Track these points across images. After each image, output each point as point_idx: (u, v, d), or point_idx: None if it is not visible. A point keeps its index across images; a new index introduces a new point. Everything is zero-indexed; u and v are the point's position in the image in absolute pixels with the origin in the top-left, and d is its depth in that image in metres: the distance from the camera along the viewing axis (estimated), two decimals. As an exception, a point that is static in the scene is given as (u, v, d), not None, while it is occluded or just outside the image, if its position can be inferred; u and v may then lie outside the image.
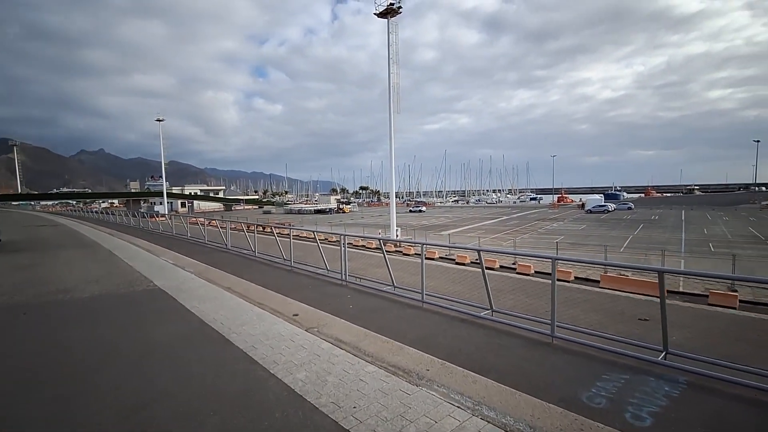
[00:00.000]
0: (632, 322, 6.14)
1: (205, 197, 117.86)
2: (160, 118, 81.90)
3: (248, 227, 13.48)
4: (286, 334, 5.30)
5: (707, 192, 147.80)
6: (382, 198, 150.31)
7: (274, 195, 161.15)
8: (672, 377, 4.16)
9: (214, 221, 16.76)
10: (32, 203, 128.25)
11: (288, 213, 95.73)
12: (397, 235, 38.92)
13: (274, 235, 11.26)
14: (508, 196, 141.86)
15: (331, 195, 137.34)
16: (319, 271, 9.45)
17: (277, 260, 11.19)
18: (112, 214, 34.53)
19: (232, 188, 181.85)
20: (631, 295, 10.13)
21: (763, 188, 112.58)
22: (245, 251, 12.84)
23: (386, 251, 8.10)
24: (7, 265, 9.97)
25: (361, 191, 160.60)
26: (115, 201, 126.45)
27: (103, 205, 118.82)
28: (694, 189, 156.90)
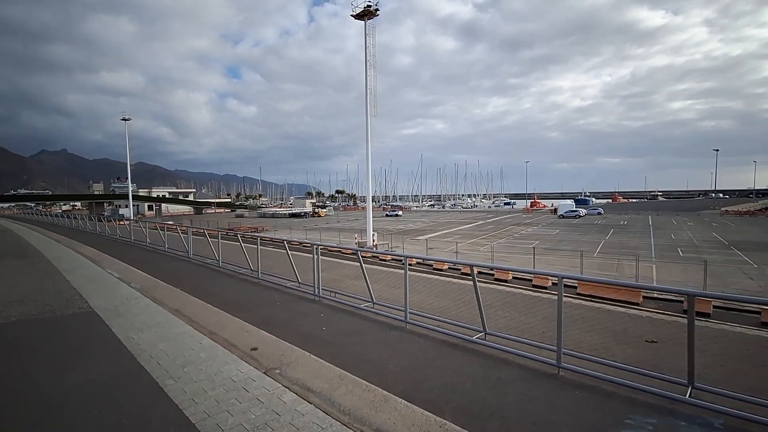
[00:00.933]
0: (639, 344, 5.51)
1: (174, 200, 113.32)
2: (126, 117, 78.24)
3: (211, 233, 12.32)
4: (239, 378, 4.23)
5: (670, 198, 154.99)
6: (358, 202, 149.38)
7: (247, 198, 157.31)
8: (705, 421, 3.51)
9: (175, 226, 15.39)
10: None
11: (262, 217, 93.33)
12: (373, 240, 38.19)
13: (239, 242, 10.19)
14: (483, 200, 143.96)
15: (307, 198, 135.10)
16: (290, 283, 8.46)
17: (243, 271, 10.12)
18: (74, 217, 32.11)
19: (203, 191, 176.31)
20: (631, 310, 9.59)
21: (721, 195, 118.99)
22: (208, 260, 11.66)
23: (363, 258, 7.27)
24: None
25: (337, 195, 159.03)
26: (78, 203, 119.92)
27: (64, 207, 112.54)
28: (657, 195, 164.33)
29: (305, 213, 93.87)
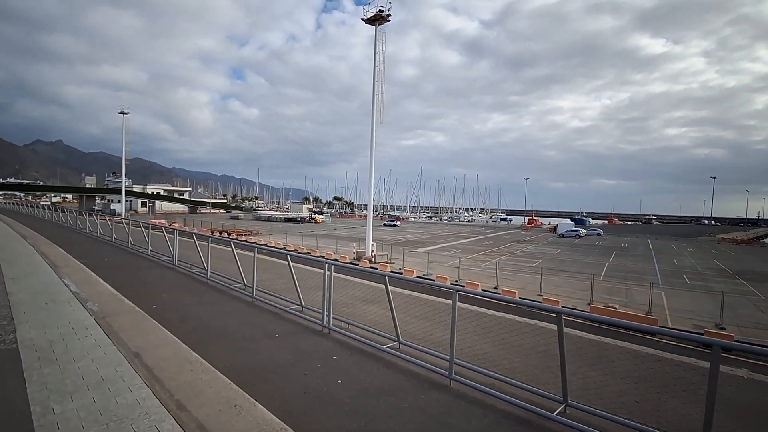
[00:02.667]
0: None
1: (168, 198, 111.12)
2: (124, 111, 76.81)
3: (201, 237, 10.76)
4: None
5: (663, 222, 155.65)
6: (356, 210, 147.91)
7: (243, 200, 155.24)
8: None
9: (161, 227, 13.78)
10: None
11: (257, 220, 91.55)
12: (372, 250, 36.75)
13: (232, 250, 8.68)
14: (480, 215, 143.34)
15: (304, 204, 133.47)
16: (291, 306, 6.94)
17: (235, 286, 8.59)
18: (61, 210, 30.30)
19: (199, 190, 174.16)
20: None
21: (713, 222, 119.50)
22: (196, 269, 10.09)
23: (359, 266, 5.83)
24: None
25: (334, 201, 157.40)
26: (69, 196, 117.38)
27: (55, 199, 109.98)
28: (652, 219, 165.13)
29: (302, 218, 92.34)
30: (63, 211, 27.91)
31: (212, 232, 49.08)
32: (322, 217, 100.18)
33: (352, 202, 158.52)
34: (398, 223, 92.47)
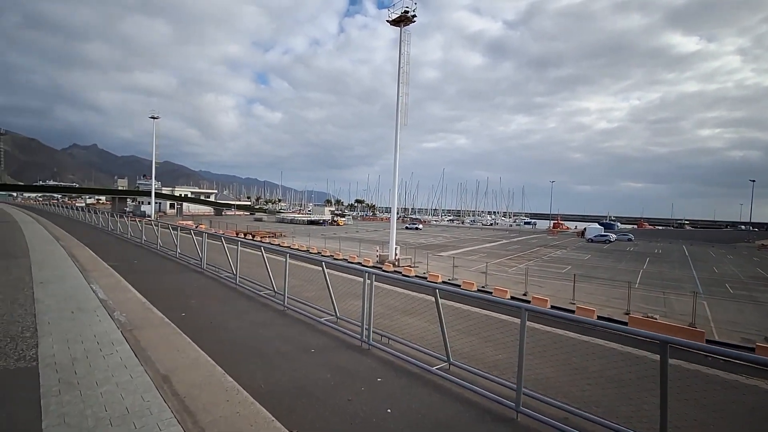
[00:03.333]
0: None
1: (195, 200, 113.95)
2: (155, 116, 79.10)
3: (229, 240, 10.49)
4: None
5: (697, 227, 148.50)
6: (377, 212, 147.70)
7: (267, 202, 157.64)
8: None
9: (190, 230, 13.66)
10: (14, 194, 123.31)
11: (280, 222, 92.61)
12: (396, 254, 36.24)
13: (262, 255, 8.32)
14: (504, 218, 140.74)
15: (326, 206, 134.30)
16: (325, 317, 6.49)
17: (265, 291, 8.23)
18: (94, 212, 31.17)
19: (224, 192, 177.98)
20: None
21: (750, 227, 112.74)
22: (225, 273, 9.80)
23: (385, 270, 5.30)
24: None
25: (356, 204, 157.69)
26: (102, 198, 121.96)
27: (89, 201, 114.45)
28: (684, 223, 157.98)
29: (324, 221, 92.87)
30: (96, 213, 28.61)
31: (237, 234, 49.67)
32: (344, 219, 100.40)
33: (374, 205, 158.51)
34: (420, 226, 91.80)
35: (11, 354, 3.78)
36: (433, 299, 8.32)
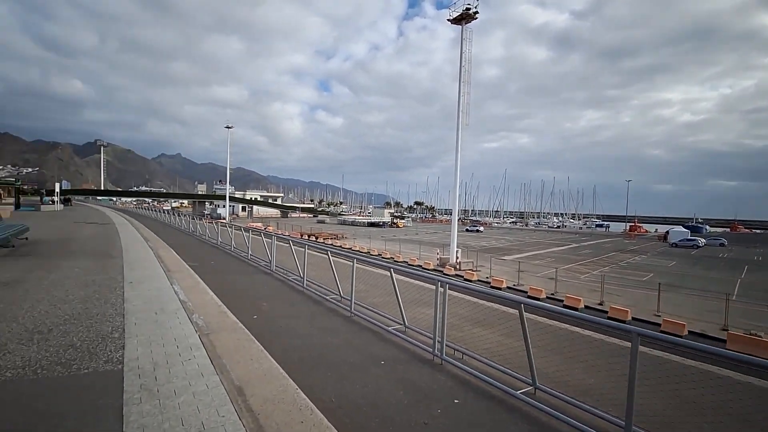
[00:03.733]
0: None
1: (264, 203, 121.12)
2: (229, 126, 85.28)
3: (297, 242, 10.67)
4: None
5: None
6: (437, 214, 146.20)
7: (329, 205, 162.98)
8: None
9: (260, 232, 14.24)
10: (113, 199, 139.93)
11: (342, 224, 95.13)
12: (457, 257, 35.31)
13: (329, 259, 8.32)
14: (572, 220, 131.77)
15: (385, 208, 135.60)
16: (393, 326, 6.25)
17: (331, 296, 8.21)
18: (177, 214, 34.28)
19: (290, 196, 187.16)
20: None
21: None
22: (292, 276, 10.01)
23: (445, 273, 4.80)
24: None
25: (415, 206, 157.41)
26: (185, 201, 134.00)
27: (174, 204, 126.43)
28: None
29: (383, 222, 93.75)
30: (178, 215, 31.34)
31: (301, 236, 51.67)
32: (403, 221, 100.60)
33: (433, 207, 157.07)
34: (481, 228, 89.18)
35: (101, 355, 3.97)
36: (507, 310, 7.79)
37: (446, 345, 4.99)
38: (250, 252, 12.96)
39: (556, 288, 24.31)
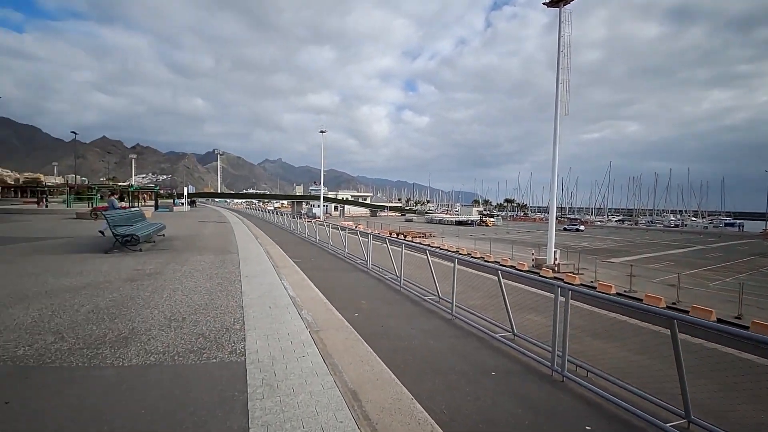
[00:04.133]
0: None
1: (354, 203, 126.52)
2: (323, 130, 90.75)
3: (393, 241, 10.69)
4: None
5: None
6: (529, 212, 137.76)
7: (416, 204, 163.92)
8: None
9: (356, 231, 14.66)
10: (227, 200, 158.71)
11: (429, 222, 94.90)
12: (555, 259, 32.63)
13: (427, 260, 8.13)
14: (694, 218, 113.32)
15: (473, 206, 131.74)
16: (500, 334, 5.79)
17: (429, 296, 8.01)
18: (279, 214, 37.46)
19: (378, 195, 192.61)
20: None
21: None
22: (389, 275, 10.05)
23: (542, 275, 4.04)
24: (131, 270, 8.62)
25: (505, 204, 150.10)
26: (285, 202, 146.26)
27: (276, 205, 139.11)
28: None
29: (471, 221, 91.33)
30: (280, 215, 34.11)
31: (390, 234, 52.61)
32: (492, 220, 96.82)
33: (525, 204, 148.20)
34: (582, 227, 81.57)
35: (226, 345, 4.25)
36: (637, 322, 6.75)
37: (568, 360, 4.41)
38: (346, 250, 13.40)
39: (679, 296, 20.93)
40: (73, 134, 64.61)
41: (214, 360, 3.83)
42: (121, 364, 3.76)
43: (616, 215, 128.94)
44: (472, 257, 34.29)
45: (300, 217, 30.76)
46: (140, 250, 11.51)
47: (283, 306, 5.83)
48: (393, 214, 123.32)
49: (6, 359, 3.84)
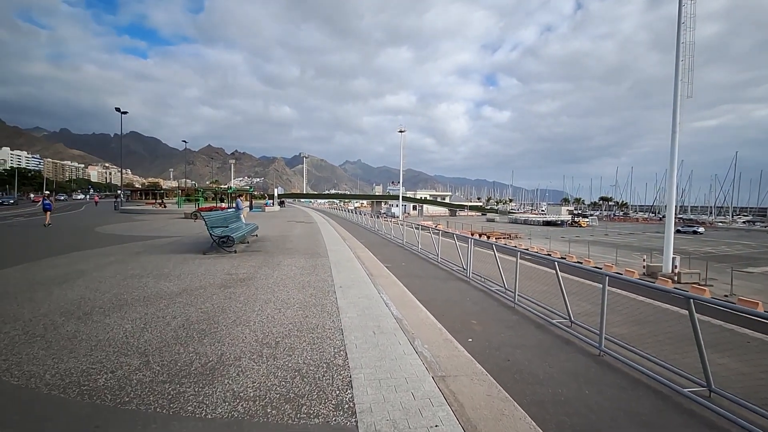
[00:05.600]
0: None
1: (433, 202, 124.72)
2: (402, 130, 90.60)
3: (473, 236, 9.23)
4: None
5: None
6: (629, 212, 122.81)
7: (497, 203, 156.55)
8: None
9: (440, 225, 13.35)
10: (311, 201, 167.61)
11: (513, 222, 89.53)
12: (675, 266, 27.76)
13: (557, 274, 6.54)
14: None
15: (562, 205, 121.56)
16: (689, 388, 4.12)
17: (558, 319, 6.44)
18: (360, 213, 37.63)
19: (456, 194, 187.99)
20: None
21: None
22: (495, 287, 8.59)
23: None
24: (224, 274, 8.24)
25: (600, 202, 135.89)
26: (364, 202, 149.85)
27: (356, 204, 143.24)
28: None
29: (562, 221, 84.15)
30: (361, 215, 34.05)
31: (472, 234, 50.12)
32: (586, 220, 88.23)
33: (625, 203, 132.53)
34: (700, 229, 70.29)
35: (329, 393, 3.25)
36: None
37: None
38: (439, 256, 12.14)
39: None
40: (184, 143, 72.91)
41: (316, 420, 2.80)
42: (203, 414, 2.92)
43: (743, 215, 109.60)
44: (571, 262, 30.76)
45: (379, 217, 30.25)
46: (235, 252, 11.53)
47: (390, 331, 4.74)
48: (473, 213, 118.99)
49: (85, 393, 3.29)
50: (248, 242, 14.08)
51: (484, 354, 4.76)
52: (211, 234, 11.35)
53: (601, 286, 5.26)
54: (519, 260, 7.48)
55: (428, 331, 4.80)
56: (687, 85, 27.49)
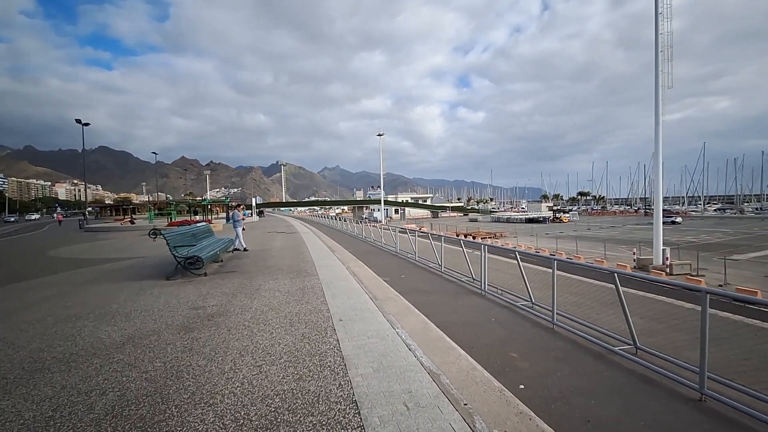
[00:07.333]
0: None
1: (415, 204, 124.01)
2: (381, 133, 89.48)
3: (459, 237, 7.90)
4: None
5: None
6: (608, 205, 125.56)
7: (478, 202, 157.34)
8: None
9: (424, 227, 11.99)
10: (291, 209, 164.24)
11: (496, 221, 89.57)
12: (666, 257, 27.41)
13: (616, 287, 5.23)
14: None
15: (542, 202, 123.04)
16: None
17: (619, 347, 5.12)
18: (342, 219, 36.08)
19: (437, 195, 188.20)
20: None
21: None
22: (520, 302, 7.22)
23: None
24: (188, 309, 6.57)
25: (578, 197, 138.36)
26: (345, 208, 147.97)
27: (336, 211, 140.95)
28: None
29: (544, 218, 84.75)
30: (344, 221, 32.49)
31: (457, 235, 49.20)
32: (568, 216, 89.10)
33: (603, 197, 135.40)
34: (678, 219, 71.75)
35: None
36: None
37: None
38: (443, 266, 10.70)
39: None
40: (154, 154, 69.57)
41: None
42: None
43: (713, 203, 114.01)
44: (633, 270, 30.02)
45: (362, 222, 28.86)
46: (205, 274, 9.80)
47: (429, 404, 2.99)
48: (455, 214, 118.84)
49: None
50: (222, 261, 12.32)
51: (548, 409, 3.33)
52: (174, 255, 9.57)
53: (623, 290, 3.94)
54: (555, 270, 6.09)
55: (479, 392, 3.18)
56: (667, 75, 27.30)
